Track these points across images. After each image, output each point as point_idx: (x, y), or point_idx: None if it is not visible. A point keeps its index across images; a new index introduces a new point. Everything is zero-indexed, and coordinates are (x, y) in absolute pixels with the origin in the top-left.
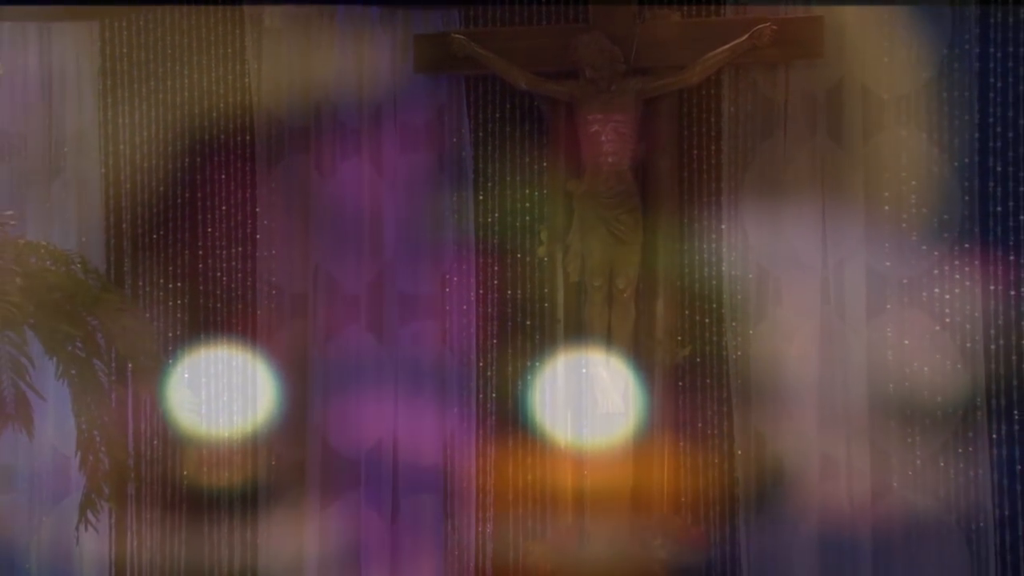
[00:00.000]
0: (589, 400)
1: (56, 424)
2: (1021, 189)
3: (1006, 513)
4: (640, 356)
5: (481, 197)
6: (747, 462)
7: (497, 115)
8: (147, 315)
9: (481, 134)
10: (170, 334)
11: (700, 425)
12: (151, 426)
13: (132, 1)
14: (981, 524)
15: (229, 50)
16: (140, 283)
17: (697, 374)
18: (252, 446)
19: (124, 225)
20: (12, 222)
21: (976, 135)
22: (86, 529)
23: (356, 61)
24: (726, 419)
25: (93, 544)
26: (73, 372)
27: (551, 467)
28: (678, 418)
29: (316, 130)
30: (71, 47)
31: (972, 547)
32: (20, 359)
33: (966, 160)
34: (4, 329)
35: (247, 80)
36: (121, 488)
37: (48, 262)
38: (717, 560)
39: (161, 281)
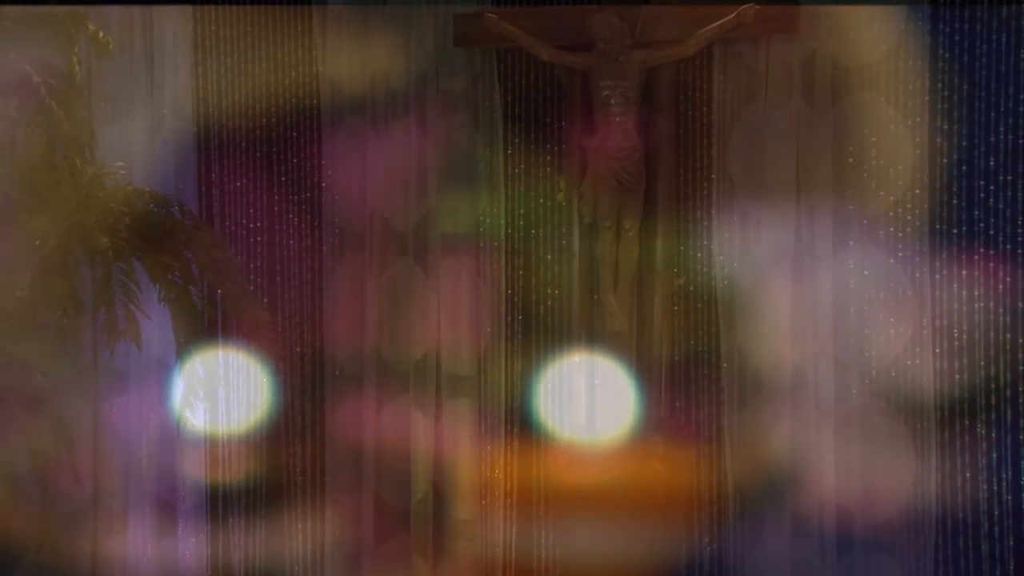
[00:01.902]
0: (599, 322)
1: (159, 339)
2: (964, 144)
3: (946, 413)
4: (643, 284)
5: (509, 152)
6: (731, 375)
7: (523, 82)
8: (232, 250)
9: (510, 98)
10: (252, 265)
11: (692, 343)
12: (237, 343)
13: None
14: (925, 424)
15: (299, 28)
16: (227, 223)
17: (690, 300)
18: (319, 358)
19: (213, 175)
20: (122, 171)
21: (927, 98)
22: (185, 424)
23: (404, 37)
24: (715, 338)
25: (191, 436)
26: (172, 297)
27: (568, 368)
28: (675, 334)
29: (371, 95)
30: (169, 25)
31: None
32: (130, 285)
33: (918, 119)
34: (117, 261)
35: (314, 53)
36: (213, 391)
37: (151, 205)
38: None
39: (244, 221)
